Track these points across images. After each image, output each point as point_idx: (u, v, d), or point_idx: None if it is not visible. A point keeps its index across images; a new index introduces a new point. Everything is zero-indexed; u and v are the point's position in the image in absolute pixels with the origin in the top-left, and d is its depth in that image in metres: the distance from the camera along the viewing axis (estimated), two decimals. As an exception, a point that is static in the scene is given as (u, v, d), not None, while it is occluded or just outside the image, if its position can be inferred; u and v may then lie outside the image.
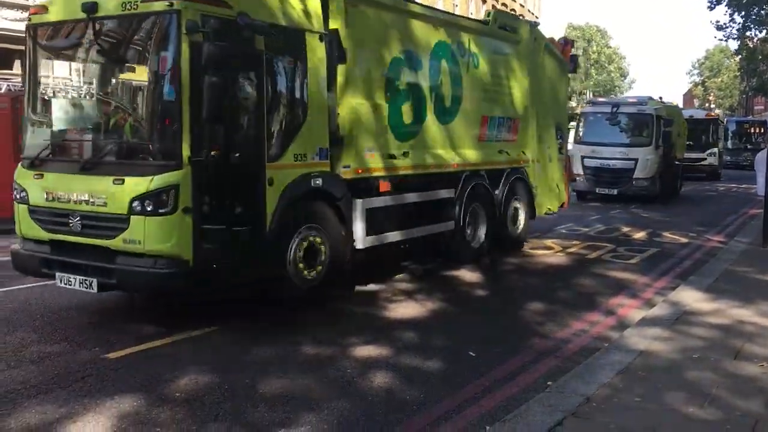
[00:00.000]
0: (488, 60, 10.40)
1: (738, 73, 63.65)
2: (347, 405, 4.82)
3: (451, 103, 9.51)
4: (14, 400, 4.75)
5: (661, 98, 24.32)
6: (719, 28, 34.13)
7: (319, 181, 7.29)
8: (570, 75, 14.07)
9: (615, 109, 20.18)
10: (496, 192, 10.58)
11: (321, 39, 7.37)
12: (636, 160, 19.32)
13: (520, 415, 4.36)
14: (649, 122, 19.65)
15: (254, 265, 6.63)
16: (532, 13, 58.84)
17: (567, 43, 13.47)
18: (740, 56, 40.69)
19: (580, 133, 20.56)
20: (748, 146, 42.39)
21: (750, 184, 28.21)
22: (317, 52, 7.32)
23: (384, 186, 8.26)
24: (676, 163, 22.02)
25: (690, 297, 7.55)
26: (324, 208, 7.43)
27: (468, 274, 9.46)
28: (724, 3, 32.44)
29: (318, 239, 7.26)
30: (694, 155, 28.55)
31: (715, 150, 30.17)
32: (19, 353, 5.81)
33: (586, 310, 7.58)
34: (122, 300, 7.47)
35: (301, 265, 7.08)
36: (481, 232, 10.27)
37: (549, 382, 5.15)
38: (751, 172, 34.79)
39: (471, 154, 9.95)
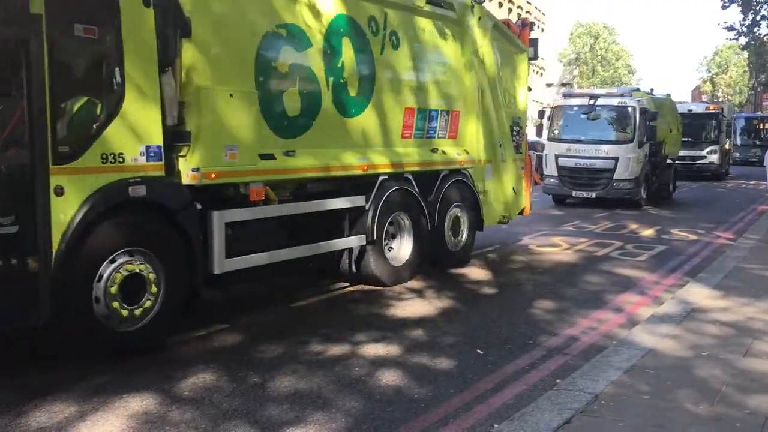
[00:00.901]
0: (414, 41, 8.71)
1: (747, 69, 63.45)
2: (356, 403, 4.83)
3: (358, 91, 7.82)
4: (24, 401, 4.76)
5: (651, 90, 23.27)
6: (729, 28, 33.76)
7: (142, 190, 5.60)
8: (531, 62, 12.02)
9: (592, 102, 17.99)
10: (429, 198, 8.88)
11: (147, 3, 5.69)
12: (616, 159, 17.22)
13: (529, 414, 4.35)
14: (631, 116, 17.50)
15: (32, 308, 5.08)
16: (539, 10, 58.77)
17: (525, 25, 11.66)
18: (748, 52, 40.47)
19: (555, 130, 18.36)
20: (757, 143, 42.15)
21: (759, 180, 28.11)
22: (141, 20, 5.63)
23: (256, 194, 6.63)
24: (669, 161, 20.17)
25: (699, 294, 7.53)
26: (154, 225, 5.80)
27: (475, 272, 9.45)
28: (738, 2, 31.98)
29: (143, 267, 5.64)
30: (691, 153, 26.38)
31: (716, 147, 27.54)
32: (28, 354, 5.84)
33: (594, 308, 7.56)
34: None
35: (116, 304, 5.48)
36: (407, 246, 8.57)
37: (557, 380, 5.15)
38: (760, 168, 34.60)
39: (390, 154, 8.28)
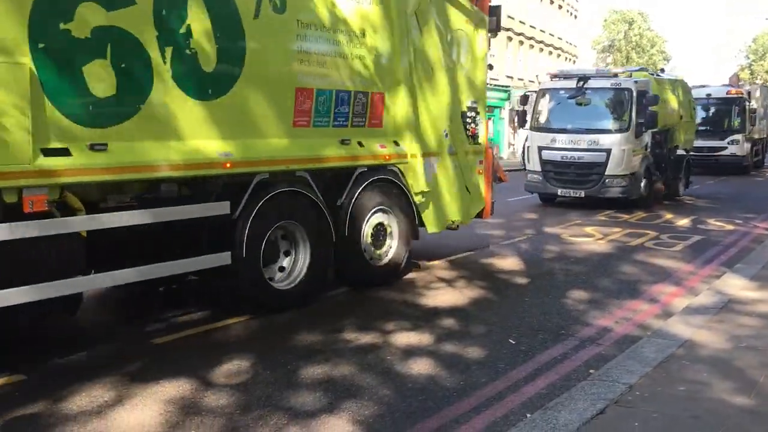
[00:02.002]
0: (310, 2, 6.87)
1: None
2: (388, 392, 4.85)
3: (217, 66, 6.03)
4: (64, 385, 4.88)
5: (662, 70, 21.51)
6: None
7: None
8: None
9: (582, 84, 15.45)
10: (339, 202, 7.35)
11: None
12: (608, 151, 14.80)
13: (562, 404, 4.33)
14: (626, 100, 15.03)
15: None
16: (572, -3, 57.80)
17: None
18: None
19: (538, 117, 16.09)
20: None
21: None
22: None
23: (31, 203, 4.94)
24: (679, 153, 17.66)
25: (736, 285, 7.40)
26: None
27: (506, 261, 9.40)
28: None
29: None
30: (710, 143, 23.56)
31: (739, 137, 24.38)
32: (68, 340, 5.98)
33: (628, 298, 7.48)
34: (167, 288, 7.60)
35: None
36: (302, 264, 6.94)
37: (591, 371, 5.12)
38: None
39: (272, 147, 6.55)
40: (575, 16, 58.27)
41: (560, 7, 52.84)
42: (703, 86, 25.80)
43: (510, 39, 42.80)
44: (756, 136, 26.47)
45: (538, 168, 15.63)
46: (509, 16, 41.59)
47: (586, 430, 3.95)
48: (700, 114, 22.29)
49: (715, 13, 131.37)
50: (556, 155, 15.37)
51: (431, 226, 8.49)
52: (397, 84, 7.88)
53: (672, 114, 16.70)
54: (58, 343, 5.87)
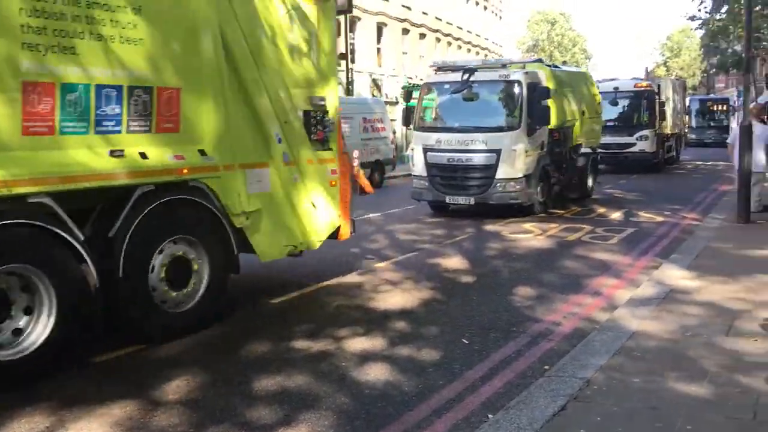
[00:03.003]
0: None
1: (700, 53, 65.00)
2: (346, 400, 4.74)
3: None
4: (1, 413, 4.56)
5: (564, 63, 21.39)
6: (692, 18, 34.55)
7: None
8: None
9: (467, 77, 13.58)
10: (111, 233, 5.56)
11: None
12: (498, 151, 12.96)
13: (523, 402, 4.33)
14: (516, 94, 13.27)
15: None
16: (496, -2, 58.90)
17: None
18: (702, 37, 41.52)
19: (422, 115, 14.30)
20: (712, 124, 43.53)
21: (717, 161, 28.70)
22: None
23: None
24: (584, 152, 16.03)
25: (674, 275, 7.62)
26: None
27: (451, 261, 9.41)
28: None
29: None
30: (618, 140, 22.33)
31: (647, 132, 22.96)
32: None
33: (573, 292, 7.59)
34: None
35: None
36: (43, 326, 5.08)
37: (546, 367, 5.15)
38: (716, 149, 35.14)
39: None
40: (500, 17, 59.42)
41: (485, 8, 53.79)
42: (611, 80, 24.61)
43: (438, 40, 43.28)
44: (667, 132, 25.31)
45: (424, 173, 13.69)
46: (437, 17, 42.08)
47: (550, 427, 3.94)
48: (608, 109, 21.33)
49: (633, 12, 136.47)
50: (441, 158, 13.44)
51: (265, 254, 6.94)
52: (200, 75, 6.19)
53: (572, 109, 15.25)
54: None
